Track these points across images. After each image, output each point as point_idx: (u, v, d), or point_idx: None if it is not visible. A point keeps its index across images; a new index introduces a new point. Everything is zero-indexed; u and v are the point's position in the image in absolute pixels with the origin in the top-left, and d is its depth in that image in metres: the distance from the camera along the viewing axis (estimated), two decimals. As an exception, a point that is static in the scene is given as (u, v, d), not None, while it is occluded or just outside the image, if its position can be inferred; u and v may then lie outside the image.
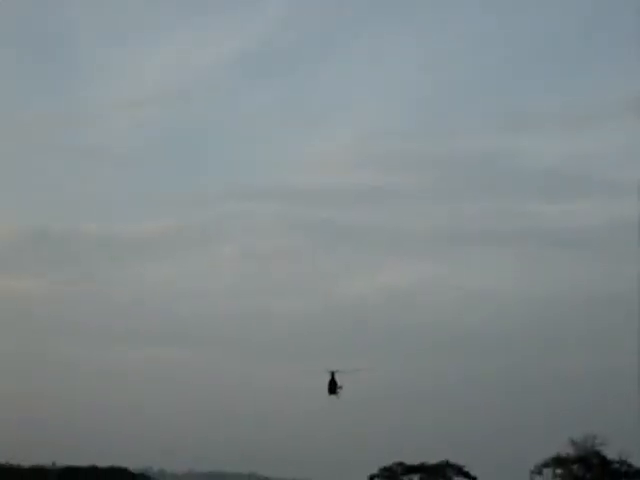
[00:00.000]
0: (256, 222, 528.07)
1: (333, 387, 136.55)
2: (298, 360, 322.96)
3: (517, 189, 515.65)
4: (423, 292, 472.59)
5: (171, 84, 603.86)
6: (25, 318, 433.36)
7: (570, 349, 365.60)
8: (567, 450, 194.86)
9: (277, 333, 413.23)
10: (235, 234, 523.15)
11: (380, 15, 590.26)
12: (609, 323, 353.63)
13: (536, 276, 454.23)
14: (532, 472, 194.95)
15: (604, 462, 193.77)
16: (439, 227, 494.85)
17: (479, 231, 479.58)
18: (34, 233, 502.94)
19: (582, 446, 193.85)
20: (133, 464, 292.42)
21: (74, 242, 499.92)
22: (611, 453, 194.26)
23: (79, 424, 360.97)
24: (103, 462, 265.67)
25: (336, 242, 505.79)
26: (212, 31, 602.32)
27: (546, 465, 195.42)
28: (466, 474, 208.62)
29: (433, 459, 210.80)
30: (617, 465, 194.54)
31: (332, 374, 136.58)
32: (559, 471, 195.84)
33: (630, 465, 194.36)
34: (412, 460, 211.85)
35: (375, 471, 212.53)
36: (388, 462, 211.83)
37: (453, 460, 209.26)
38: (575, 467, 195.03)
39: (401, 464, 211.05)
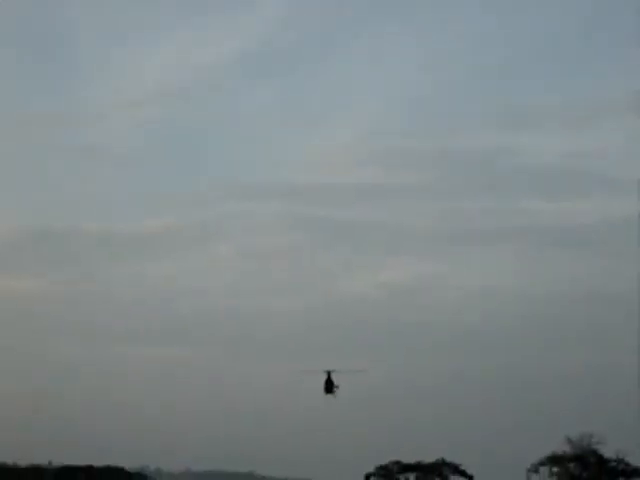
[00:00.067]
0: (256, 221, 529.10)
1: (329, 386, 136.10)
2: (298, 359, 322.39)
3: (517, 188, 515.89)
4: (423, 290, 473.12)
5: (171, 84, 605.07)
6: (25, 318, 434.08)
7: (569, 347, 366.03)
8: (563, 448, 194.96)
9: (277, 332, 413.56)
10: (235, 233, 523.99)
11: (380, 15, 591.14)
12: (608, 321, 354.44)
13: (536, 274, 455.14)
14: (529, 470, 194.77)
15: (601, 461, 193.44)
16: (439, 225, 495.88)
17: (479, 229, 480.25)
18: (34, 233, 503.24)
19: (578, 444, 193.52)
20: (129, 463, 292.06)
21: (74, 242, 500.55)
22: (609, 451, 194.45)
23: (77, 423, 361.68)
24: (100, 461, 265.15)
25: (336, 241, 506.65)
26: (212, 31, 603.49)
27: (543, 463, 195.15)
28: (462, 472, 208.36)
29: (430, 458, 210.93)
30: (614, 463, 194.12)
31: (328, 373, 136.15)
32: (556, 469, 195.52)
33: (627, 464, 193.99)
34: (408, 459, 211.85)
35: (371, 470, 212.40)
36: (384, 461, 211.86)
37: (449, 459, 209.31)
38: (572, 465, 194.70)
39: (397, 463, 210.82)
